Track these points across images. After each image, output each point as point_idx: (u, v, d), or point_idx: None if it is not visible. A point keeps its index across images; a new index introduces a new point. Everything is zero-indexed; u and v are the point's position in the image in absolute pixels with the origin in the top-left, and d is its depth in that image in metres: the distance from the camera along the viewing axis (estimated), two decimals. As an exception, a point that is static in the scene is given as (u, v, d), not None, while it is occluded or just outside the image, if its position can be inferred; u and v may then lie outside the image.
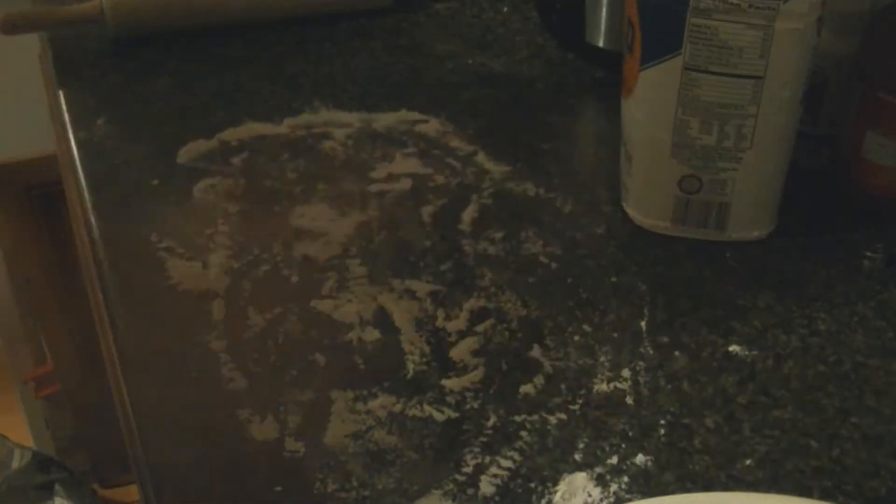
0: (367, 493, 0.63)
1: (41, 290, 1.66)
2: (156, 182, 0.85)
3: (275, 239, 0.80)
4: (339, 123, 0.92)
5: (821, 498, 0.60)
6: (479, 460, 0.64)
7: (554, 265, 0.78)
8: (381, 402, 0.68)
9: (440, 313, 0.74)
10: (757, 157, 0.76)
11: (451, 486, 0.63)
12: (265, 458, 0.65)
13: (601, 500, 0.62)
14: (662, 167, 0.78)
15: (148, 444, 0.66)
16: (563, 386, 0.69)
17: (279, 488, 0.63)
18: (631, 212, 0.82)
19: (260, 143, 0.90)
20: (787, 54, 0.71)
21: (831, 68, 0.84)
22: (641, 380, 0.69)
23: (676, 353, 0.71)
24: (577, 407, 0.68)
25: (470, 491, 0.63)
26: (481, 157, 0.88)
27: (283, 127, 0.91)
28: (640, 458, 0.64)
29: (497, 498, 0.62)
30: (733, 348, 0.72)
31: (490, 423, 0.66)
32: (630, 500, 0.62)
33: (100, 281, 0.78)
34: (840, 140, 0.83)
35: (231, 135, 0.90)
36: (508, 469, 0.64)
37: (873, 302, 0.75)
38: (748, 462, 0.64)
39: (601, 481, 0.63)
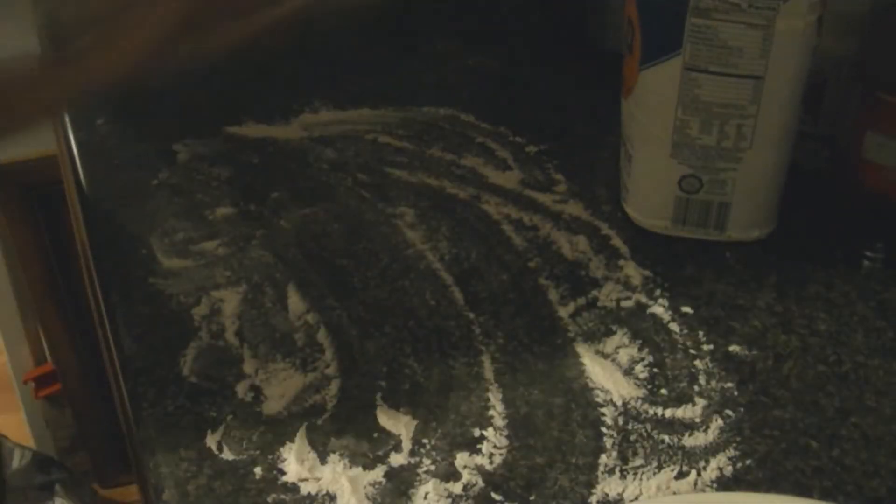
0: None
1: (41, 290, 1.66)
2: (156, 182, 0.85)
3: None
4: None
5: (821, 498, 0.60)
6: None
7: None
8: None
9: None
10: (757, 157, 0.76)
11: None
12: (265, 460, 0.65)
13: (599, 500, 0.62)
14: (662, 167, 0.78)
15: (148, 444, 0.66)
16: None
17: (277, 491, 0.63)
18: (631, 212, 0.82)
19: (261, 143, 0.90)
20: (787, 54, 0.71)
21: (831, 68, 0.84)
22: (642, 380, 0.69)
23: (676, 353, 0.71)
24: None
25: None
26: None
27: (284, 127, 0.92)
28: (639, 459, 0.64)
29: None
30: (733, 348, 0.72)
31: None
32: (630, 500, 0.62)
33: (100, 281, 0.78)
34: (840, 140, 0.83)
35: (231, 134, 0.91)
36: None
37: (873, 302, 0.75)
38: (748, 462, 0.64)
39: (596, 481, 0.63)
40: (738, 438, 0.66)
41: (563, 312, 0.74)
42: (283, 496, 0.63)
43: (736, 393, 0.68)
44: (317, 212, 0.83)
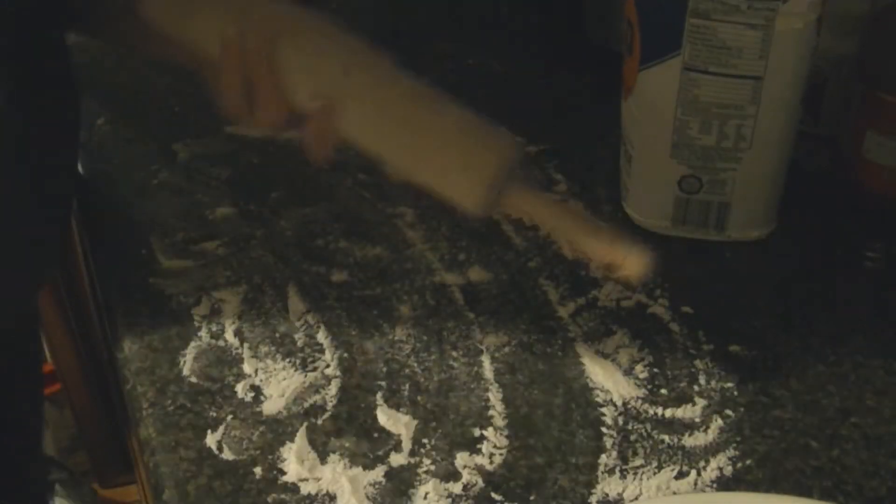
0: (367, 493, 0.63)
1: (41, 291, 1.66)
2: (156, 182, 0.85)
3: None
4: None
5: (821, 498, 0.60)
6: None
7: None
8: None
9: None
10: (757, 157, 0.76)
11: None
12: (265, 460, 0.65)
13: (599, 500, 0.62)
14: (662, 167, 0.78)
15: (148, 444, 0.66)
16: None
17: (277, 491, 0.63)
18: (631, 212, 0.82)
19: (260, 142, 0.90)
20: (787, 54, 0.71)
21: (831, 68, 0.84)
22: (642, 380, 0.69)
23: (676, 353, 0.71)
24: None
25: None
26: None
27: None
28: (639, 459, 0.64)
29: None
30: (733, 348, 0.72)
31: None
32: (630, 500, 0.62)
33: (100, 281, 0.78)
34: (840, 140, 0.83)
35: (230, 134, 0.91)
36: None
37: (873, 302, 0.75)
38: (748, 462, 0.64)
39: (596, 481, 0.63)
40: (738, 438, 0.66)
41: (563, 312, 0.74)
42: (283, 496, 0.63)
43: (736, 393, 0.68)
44: (317, 212, 0.83)
